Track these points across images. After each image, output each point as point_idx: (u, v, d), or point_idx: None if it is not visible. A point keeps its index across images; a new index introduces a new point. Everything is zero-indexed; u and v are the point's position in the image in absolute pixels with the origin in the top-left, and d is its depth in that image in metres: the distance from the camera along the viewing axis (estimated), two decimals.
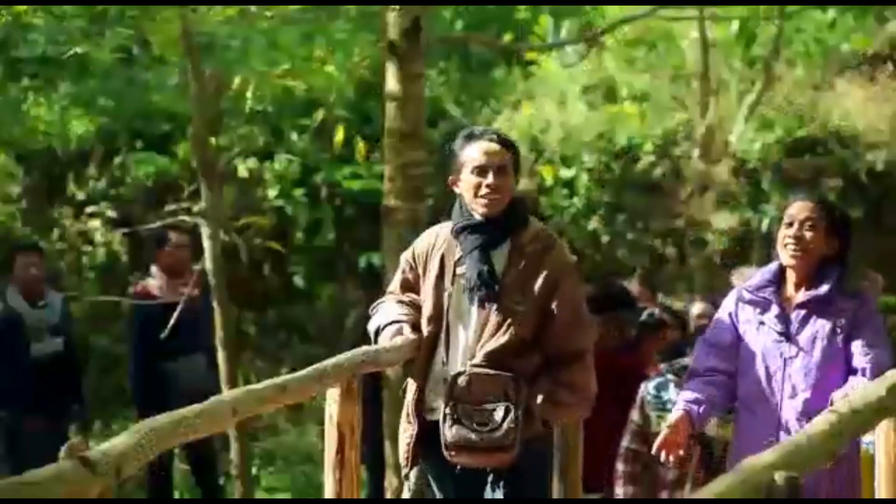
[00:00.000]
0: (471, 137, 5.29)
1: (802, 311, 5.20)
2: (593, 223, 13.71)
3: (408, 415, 5.27)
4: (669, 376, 6.48)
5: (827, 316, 5.16)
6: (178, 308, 8.52)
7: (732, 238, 13.33)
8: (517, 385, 5.07)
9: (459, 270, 5.21)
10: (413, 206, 8.00)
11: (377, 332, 5.32)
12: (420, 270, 5.35)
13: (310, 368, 5.03)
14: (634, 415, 6.58)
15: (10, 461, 8.76)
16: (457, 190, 5.33)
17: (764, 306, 5.26)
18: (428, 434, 5.19)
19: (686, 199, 13.67)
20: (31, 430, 8.61)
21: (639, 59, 15.11)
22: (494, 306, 5.11)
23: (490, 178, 5.17)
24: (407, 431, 5.26)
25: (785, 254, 5.23)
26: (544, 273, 5.14)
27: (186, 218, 9.16)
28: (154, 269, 9.24)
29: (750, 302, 5.31)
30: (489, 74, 15.53)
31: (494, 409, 5.04)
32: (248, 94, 9.94)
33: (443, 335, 5.21)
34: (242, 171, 13.40)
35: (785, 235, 5.22)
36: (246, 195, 13.47)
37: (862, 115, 13.80)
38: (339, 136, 11.52)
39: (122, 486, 3.73)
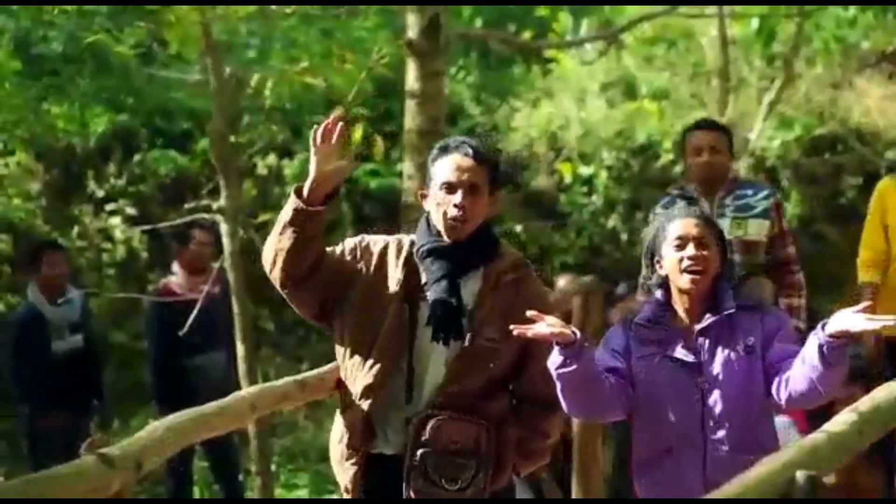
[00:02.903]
0: (444, 149, 4.64)
1: (707, 339, 4.64)
2: (612, 221, 13.69)
3: (349, 444, 4.61)
4: None
5: (734, 338, 4.63)
6: (198, 305, 8.53)
7: None
8: (488, 435, 4.52)
9: (424, 297, 4.57)
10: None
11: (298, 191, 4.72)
12: (363, 267, 4.64)
13: (329, 366, 5.04)
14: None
15: (31, 457, 8.80)
16: (425, 206, 4.68)
17: (665, 338, 4.68)
18: (376, 467, 4.60)
19: None
20: (52, 426, 8.64)
21: (658, 56, 15.10)
22: (466, 343, 4.51)
23: (458, 198, 4.55)
24: (351, 460, 4.61)
25: (683, 277, 4.64)
26: (522, 307, 4.42)
27: (205, 215, 9.17)
28: (175, 266, 9.26)
29: (646, 335, 4.70)
30: (508, 72, 15.53)
31: (466, 465, 4.49)
32: (267, 92, 9.95)
33: (404, 366, 4.54)
34: (261, 169, 13.42)
35: (681, 258, 4.64)
36: (265, 192, 13.49)
37: (882, 113, 13.76)
38: (358, 133, 11.51)
39: (141, 481, 3.74)
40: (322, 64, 9.69)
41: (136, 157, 13.63)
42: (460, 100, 14.40)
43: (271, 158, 13.48)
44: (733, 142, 6.92)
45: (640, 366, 4.68)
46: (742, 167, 13.64)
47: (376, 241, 4.70)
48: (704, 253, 4.64)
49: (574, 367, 4.37)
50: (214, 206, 8.99)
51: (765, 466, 3.48)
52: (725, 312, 4.62)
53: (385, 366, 4.52)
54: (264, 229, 12.88)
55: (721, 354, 4.62)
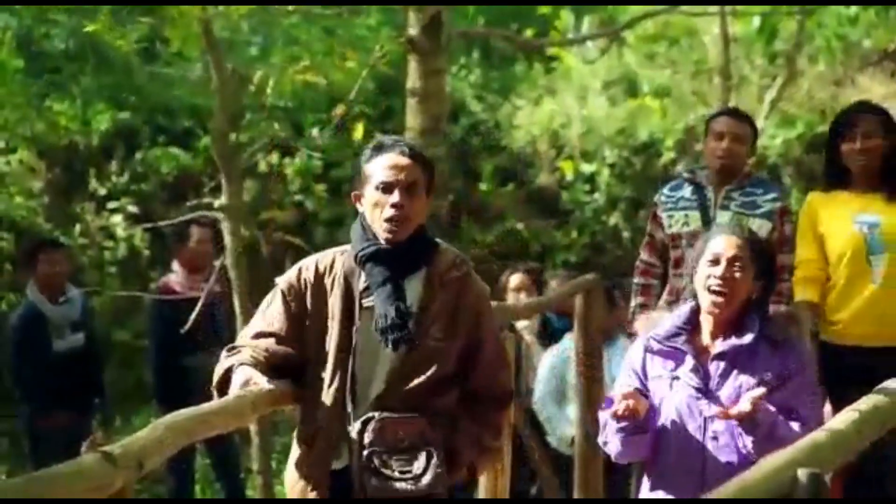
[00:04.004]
0: (379, 148, 4.51)
1: (722, 364, 4.49)
2: (614, 218, 13.69)
3: (305, 467, 4.56)
4: None
5: (750, 369, 4.46)
6: (199, 303, 8.53)
7: None
8: (434, 427, 4.42)
9: (366, 303, 4.46)
10: (433, 202, 7.98)
11: (223, 379, 4.46)
12: (308, 300, 4.52)
13: None
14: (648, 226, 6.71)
15: (33, 457, 8.80)
16: (359, 207, 4.55)
17: (677, 358, 4.54)
18: (332, 485, 4.50)
19: None
20: (53, 425, 8.64)
21: (660, 54, 15.10)
22: (412, 345, 4.41)
23: (396, 198, 4.41)
24: (307, 484, 4.52)
25: (707, 297, 4.51)
26: (466, 304, 4.49)
27: (207, 213, 9.16)
28: (175, 264, 9.26)
29: (660, 353, 4.59)
30: (510, 70, 15.53)
31: (414, 456, 4.38)
32: (269, 90, 9.94)
33: (348, 377, 4.44)
34: (263, 167, 13.42)
35: (709, 275, 4.52)
36: (267, 190, 13.50)
37: None
38: (360, 131, 11.51)
39: (141, 480, 3.74)
40: (324, 62, 9.68)
41: (138, 155, 13.64)
42: (462, 97, 14.40)
43: (273, 157, 13.48)
44: (757, 136, 6.82)
45: (653, 386, 4.57)
46: None
47: (308, 265, 4.57)
48: (736, 275, 4.48)
49: (646, 433, 4.40)
50: (216, 203, 8.98)
51: (766, 465, 3.47)
52: (746, 341, 4.46)
53: (331, 377, 4.44)
54: (266, 227, 12.93)
55: (733, 383, 4.46)
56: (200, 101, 13.37)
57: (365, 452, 4.36)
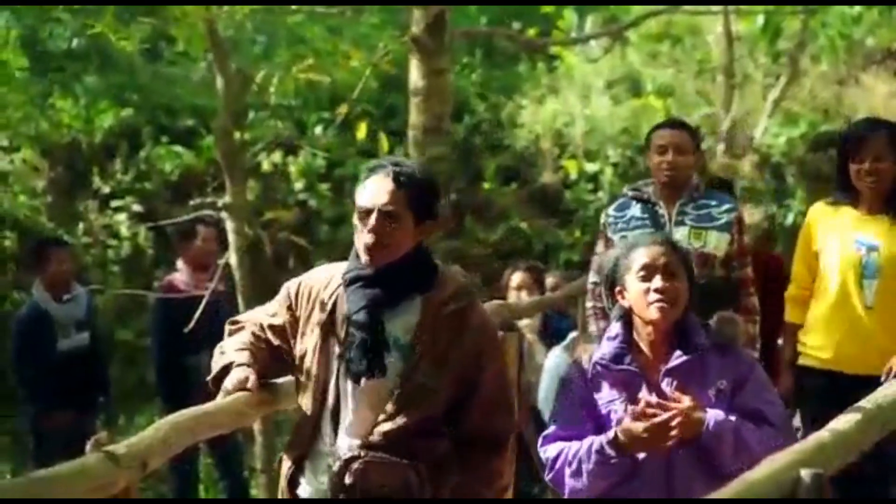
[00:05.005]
0: (371, 170, 4.21)
1: (676, 379, 4.22)
2: None
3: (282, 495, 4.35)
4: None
5: (706, 380, 4.22)
6: (203, 302, 8.53)
7: (756, 233, 13.31)
8: (420, 475, 4.08)
9: (352, 330, 4.17)
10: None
11: (220, 374, 4.35)
12: (303, 312, 4.30)
13: None
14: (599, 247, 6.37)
15: (36, 456, 8.79)
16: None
17: (628, 381, 4.27)
18: None
19: None
20: (57, 424, 8.64)
21: (663, 53, 15.11)
22: (402, 380, 4.10)
23: (370, 224, 4.10)
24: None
25: (649, 309, 4.24)
26: (466, 340, 4.12)
27: (211, 212, 9.16)
28: (180, 263, 9.26)
29: (607, 378, 4.30)
30: (513, 69, 15.54)
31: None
32: (272, 88, 9.95)
33: (329, 405, 4.18)
34: (267, 166, 13.43)
35: (647, 289, 4.25)
36: (270, 189, 13.50)
37: (887, 110, 13.73)
38: (363, 130, 11.52)
39: (145, 479, 3.74)
40: (327, 61, 9.69)
41: (142, 154, 13.65)
42: (465, 96, 14.41)
43: (276, 155, 13.49)
44: (700, 146, 6.56)
45: (606, 412, 4.29)
46: (747, 164, 13.65)
47: (311, 277, 4.37)
48: (675, 284, 4.24)
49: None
50: (220, 202, 8.99)
51: (769, 465, 3.47)
52: (696, 352, 4.22)
53: (314, 403, 4.21)
54: (270, 227, 12.93)
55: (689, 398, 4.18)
56: (204, 99, 13.39)
57: (342, 496, 4.09)
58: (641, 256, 4.29)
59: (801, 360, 6.05)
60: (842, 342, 5.86)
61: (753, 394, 4.22)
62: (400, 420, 4.08)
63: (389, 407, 4.10)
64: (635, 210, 6.28)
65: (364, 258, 4.15)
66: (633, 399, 4.21)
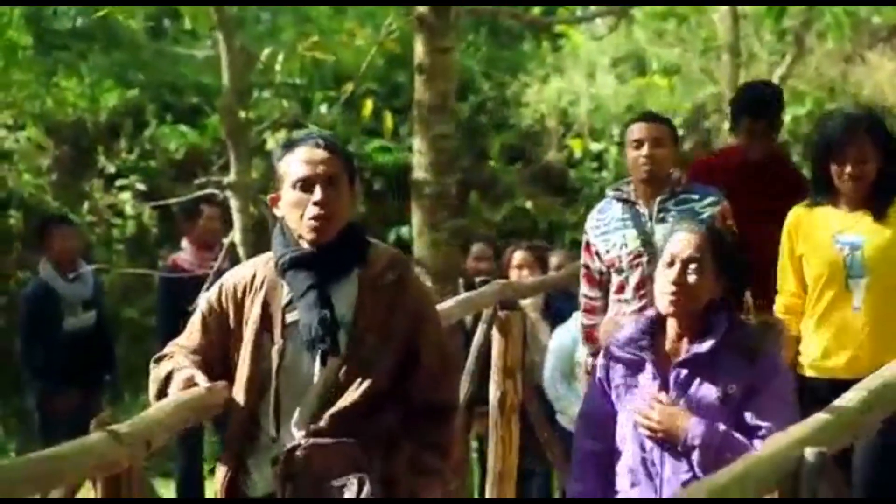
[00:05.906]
0: (291, 145, 4.10)
1: (683, 372, 4.13)
2: None
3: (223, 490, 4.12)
4: None
5: (714, 379, 4.09)
6: (208, 281, 8.53)
7: None
8: (367, 452, 3.95)
9: (290, 318, 4.02)
10: (442, 180, 7.98)
11: (162, 387, 4.07)
12: (231, 317, 4.11)
13: None
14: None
15: (42, 435, 8.80)
16: (277, 212, 4.13)
17: (635, 365, 4.22)
18: None
19: None
20: (63, 403, 8.65)
21: (669, 31, 15.07)
22: (343, 359, 3.98)
23: (318, 194, 3.97)
24: None
25: (662, 300, 4.17)
26: (404, 309, 4.05)
27: (216, 191, 9.16)
28: (185, 241, 9.26)
29: (620, 360, 4.25)
30: (518, 47, 15.51)
31: (344, 486, 3.90)
32: (277, 67, 9.94)
33: (271, 401, 4.01)
34: (272, 144, 13.42)
35: (664, 279, 4.17)
36: (275, 168, 13.50)
37: (893, 88, 13.73)
38: (368, 108, 11.50)
39: (149, 457, 3.74)
40: (332, 39, 9.68)
41: (146, 133, 13.65)
42: (470, 75, 14.39)
43: (281, 134, 13.48)
44: (678, 139, 6.33)
45: (615, 392, 4.26)
46: None
47: (231, 278, 4.18)
48: (690, 279, 4.13)
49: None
50: (224, 181, 8.99)
51: (773, 444, 3.47)
52: (706, 348, 4.10)
53: (251, 402, 4.03)
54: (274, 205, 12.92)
55: (693, 395, 4.11)
56: (208, 78, 13.38)
57: (290, 485, 3.93)
58: (671, 245, 4.22)
59: (797, 370, 5.94)
60: (831, 349, 5.62)
61: (762, 408, 4.06)
62: (347, 400, 3.96)
63: (335, 386, 3.97)
64: (616, 211, 6.05)
65: (310, 236, 4.01)
66: (632, 385, 4.20)
